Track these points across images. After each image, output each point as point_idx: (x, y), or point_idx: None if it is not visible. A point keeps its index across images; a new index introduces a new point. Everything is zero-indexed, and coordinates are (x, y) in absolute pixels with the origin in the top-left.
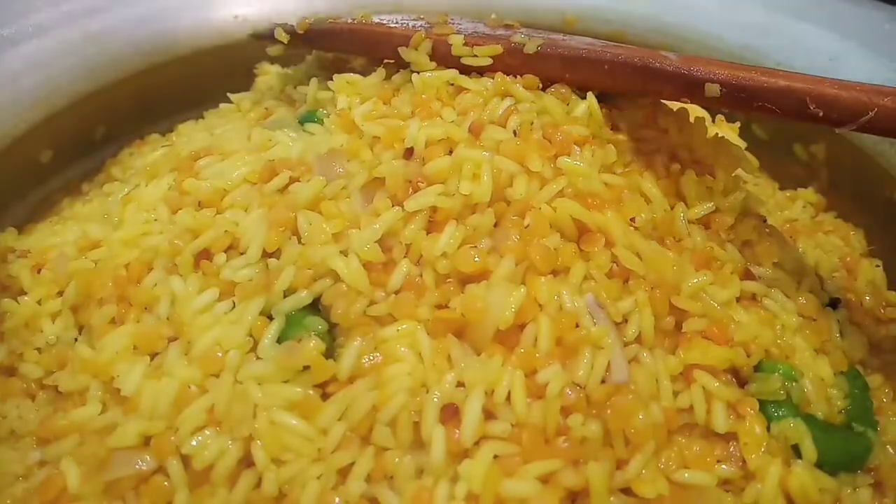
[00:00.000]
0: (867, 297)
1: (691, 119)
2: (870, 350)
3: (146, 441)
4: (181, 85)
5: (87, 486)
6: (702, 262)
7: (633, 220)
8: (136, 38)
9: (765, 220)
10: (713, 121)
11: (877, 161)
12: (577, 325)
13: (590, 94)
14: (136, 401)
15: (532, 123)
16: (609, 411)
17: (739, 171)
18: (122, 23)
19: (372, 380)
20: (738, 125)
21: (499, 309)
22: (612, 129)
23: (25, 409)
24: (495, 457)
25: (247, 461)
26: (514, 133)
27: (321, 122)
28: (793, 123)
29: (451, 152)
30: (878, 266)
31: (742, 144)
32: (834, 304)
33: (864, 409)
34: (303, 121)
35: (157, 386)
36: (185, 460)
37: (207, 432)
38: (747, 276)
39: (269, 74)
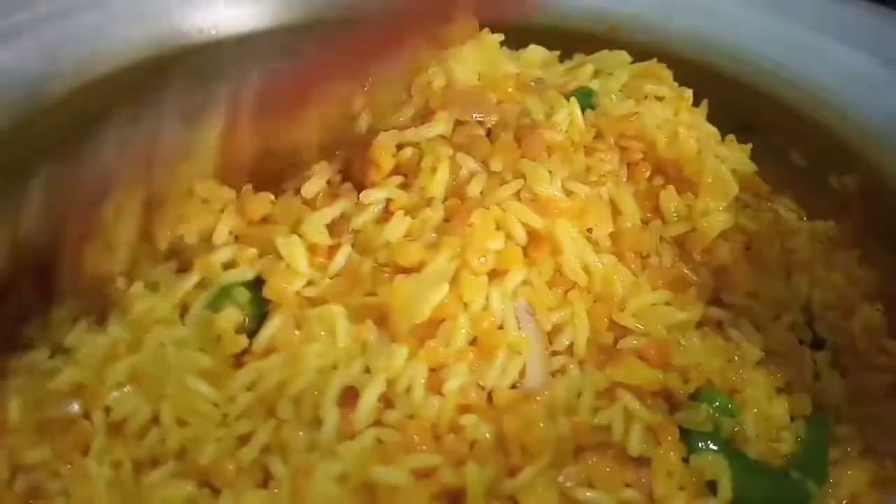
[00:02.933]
0: (861, 342)
1: (682, 135)
2: (852, 398)
3: (78, 389)
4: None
5: (25, 420)
6: (666, 283)
7: (590, 230)
8: (133, 37)
9: (748, 248)
10: (722, 139)
11: None
12: (501, 328)
13: (573, 100)
14: (74, 352)
15: (507, 124)
16: (508, 417)
17: (732, 195)
18: (116, 20)
19: (285, 356)
20: (751, 146)
21: (418, 302)
22: (595, 138)
23: None
24: (379, 441)
25: (158, 418)
26: (488, 133)
27: None
28: (831, 152)
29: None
30: (877, 310)
31: (752, 167)
32: (820, 344)
33: (815, 460)
34: None
35: (94, 340)
36: (107, 411)
37: (127, 388)
38: (716, 302)
39: None
